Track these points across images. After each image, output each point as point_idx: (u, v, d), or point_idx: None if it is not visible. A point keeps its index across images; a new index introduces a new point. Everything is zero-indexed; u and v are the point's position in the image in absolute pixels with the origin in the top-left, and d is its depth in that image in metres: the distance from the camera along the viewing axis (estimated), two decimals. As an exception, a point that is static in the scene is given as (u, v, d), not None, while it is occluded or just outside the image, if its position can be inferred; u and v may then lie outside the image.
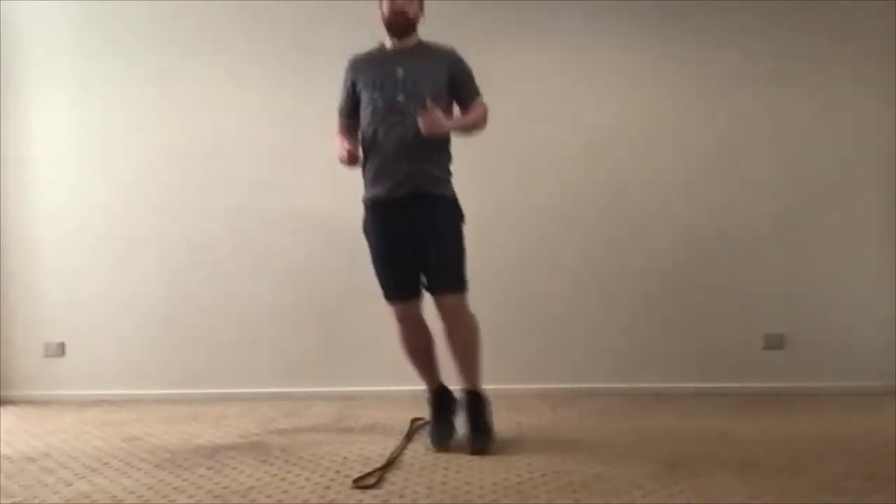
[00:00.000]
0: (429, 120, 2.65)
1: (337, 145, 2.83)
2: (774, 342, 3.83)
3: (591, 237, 3.86)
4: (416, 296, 2.81)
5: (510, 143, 3.82)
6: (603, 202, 3.87)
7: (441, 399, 2.92)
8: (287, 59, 3.87)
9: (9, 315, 3.88)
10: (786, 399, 3.63)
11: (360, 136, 2.85)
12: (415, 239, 2.75)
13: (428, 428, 2.88)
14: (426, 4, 2.86)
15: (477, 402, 2.80)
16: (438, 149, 2.81)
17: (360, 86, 2.83)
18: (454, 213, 2.83)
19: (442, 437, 2.80)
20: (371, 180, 2.81)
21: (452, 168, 2.88)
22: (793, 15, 3.83)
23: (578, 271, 3.86)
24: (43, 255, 3.88)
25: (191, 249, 3.87)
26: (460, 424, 2.85)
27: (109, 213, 3.88)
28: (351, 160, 2.77)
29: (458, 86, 2.84)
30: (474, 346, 2.80)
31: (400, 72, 2.76)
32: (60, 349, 3.88)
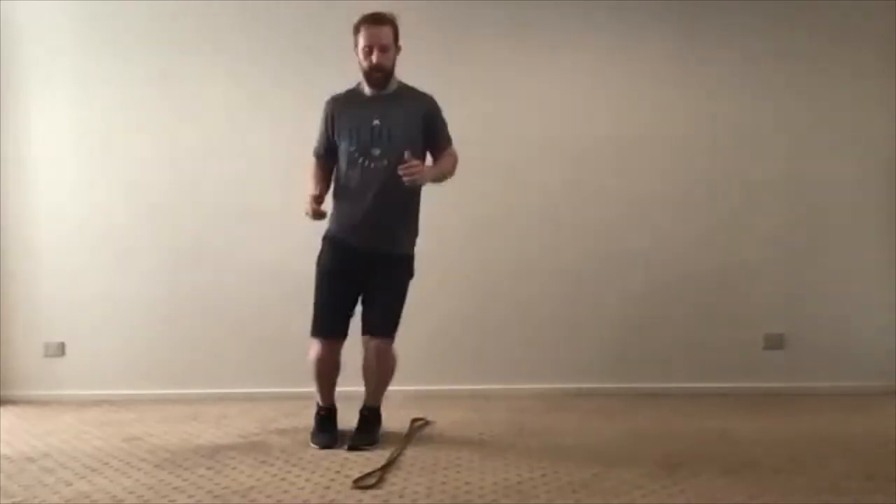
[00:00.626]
0: (410, 171, 2.71)
1: (306, 196, 2.85)
2: (774, 342, 3.83)
3: (591, 237, 3.86)
4: (342, 338, 2.89)
5: (508, 144, 3.82)
6: (603, 203, 3.87)
7: (329, 414, 3.01)
8: (287, 59, 3.87)
9: (9, 315, 3.87)
10: (786, 399, 3.63)
11: (334, 177, 2.94)
12: (362, 283, 2.87)
13: (312, 432, 2.94)
14: (404, 31, 2.87)
15: (374, 415, 2.97)
16: (409, 203, 2.90)
17: (336, 131, 2.90)
18: (407, 271, 2.93)
19: (327, 442, 2.86)
20: (338, 222, 2.90)
21: (457, 166, 2.92)
22: (793, 15, 3.83)
23: (578, 272, 3.85)
24: (43, 255, 3.88)
25: (191, 249, 3.87)
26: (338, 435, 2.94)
27: (109, 213, 3.88)
28: (315, 216, 2.82)
29: (432, 134, 2.91)
30: (389, 380, 2.97)
31: (376, 122, 2.82)
32: (60, 349, 3.88)
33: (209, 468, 2.58)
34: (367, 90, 2.89)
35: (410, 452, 2.74)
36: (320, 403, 3.01)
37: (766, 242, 3.85)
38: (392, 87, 2.89)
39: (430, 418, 3.21)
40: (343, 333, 2.89)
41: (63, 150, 3.90)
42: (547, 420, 3.27)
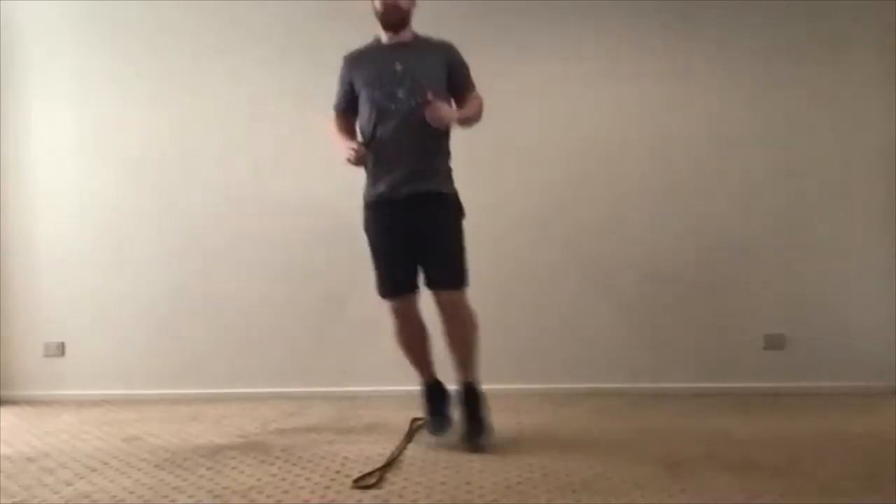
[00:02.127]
0: (435, 111, 2.66)
1: (341, 146, 2.82)
2: (774, 342, 3.83)
3: (591, 238, 3.86)
4: (414, 292, 2.81)
5: (511, 142, 3.82)
6: (602, 203, 3.87)
7: (435, 392, 2.94)
8: (287, 59, 3.86)
9: (9, 315, 3.87)
10: (786, 399, 3.63)
11: (359, 133, 2.86)
12: (415, 235, 2.75)
13: (426, 420, 2.90)
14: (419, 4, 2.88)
15: (473, 396, 2.81)
16: (439, 144, 2.82)
17: (357, 83, 2.84)
18: (455, 210, 2.83)
19: (441, 426, 2.83)
20: (373, 178, 2.82)
21: (453, 165, 2.89)
22: (793, 15, 3.83)
23: (578, 271, 3.85)
24: (43, 254, 3.88)
25: (191, 249, 3.87)
26: (455, 418, 2.87)
27: (109, 213, 3.88)
28: (359, 160, 2.77)
29: (455, 79, 2.86)
30: (472, 342, 2.82)
31: (398, 66, 2.76)
32: (60, 349, 3.88)
33: (209, 468, 2.58)
34: (384, 38, 2.84)
35: (410, 452, 2.74)
36: (422, 381, 2.92)
37: (767, 242, 3.85)
38: (409, 33, 2.85)
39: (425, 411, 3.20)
40: (414, 286, 2.78)
41: (63, 150, 3.90)
42: (547, 420, 3.27)
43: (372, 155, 2.79)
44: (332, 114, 2.94)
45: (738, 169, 3.85)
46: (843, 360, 3.80)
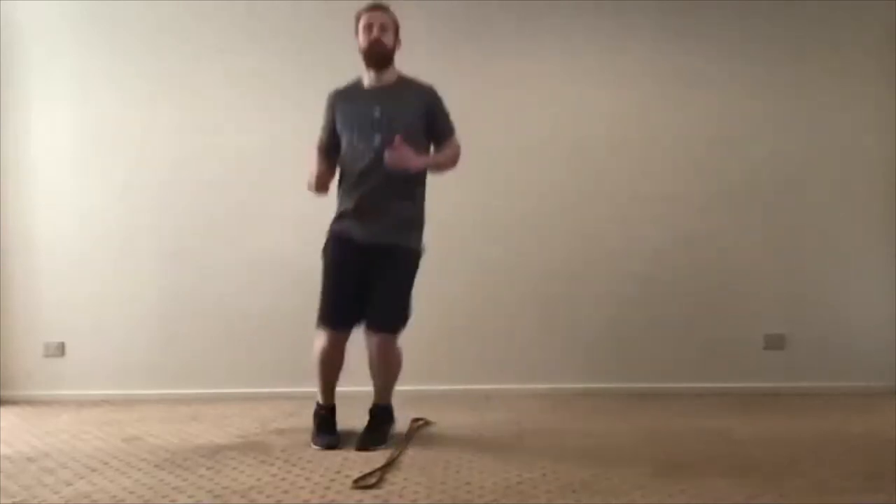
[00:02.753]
0: (396, 156, 2.70)
1: (310, 172, 2.90)
2: (774, 342, 3.83)
3: (591, 238, 3.86)
4: (349, 331, 2.86)
5: (509, 146, 3.82)
6: (602, 203, 3.87)
7: (332, 415, 2.97)
8: (287, 60, 3.87)
9: (9, 315, 3.87)
10: (786, 399, 3.63)
11: (338, 171, 2.93)
12: (369, 278, 2.82)
13: (314, 434, 2.90)
14: (404, 33, 2.93)
15: (384, 413, 2.95)
16: (412, 191, 2.88)
17: (339, 124, 2.91)
18: (411, 264, 2.89)
19: (331, 444, 2.83)
20: (342, 215, 2.89)
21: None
22: (793, 15, 3.83)
23: (578, 272, 3.85)
24: (43, 255, 3.88)
25: (190, 249, 3.87)
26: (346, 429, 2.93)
27: (109, 213, 3.88)
28: (320, 186, 2.89)
29: (433, 124, 2.90)
30: (395, 376, 2.94)
31: (377, 112, 2.82)
32: (60, 349, 3.88)
33: (209, 468, 2.58)
34: (367, 82, 2.89)
35: (410, 452, 2.74)
36: (320, 402, 2.99)
37: (767, 242, 3.85)
38: (392, 77, 2.89)
39: (430, 418, 3.21)
40: (348, 325, 2.85)
41: (63, 151, 3.90)
42: (547, 420, 3.27)
43: (345, 192, 2.88)
44: (315, 147, 2.95)
45: (738, 169, 3.86)
46: (843, 360, 3.80)
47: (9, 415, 3.52)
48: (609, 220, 3.87)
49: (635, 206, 3.86)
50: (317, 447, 2.83)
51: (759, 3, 3.83)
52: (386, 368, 2.89)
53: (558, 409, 3.47)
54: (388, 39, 2.84)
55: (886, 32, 3.81)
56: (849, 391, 3.70)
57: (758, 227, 3.85)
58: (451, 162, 2.92)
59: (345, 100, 2.92)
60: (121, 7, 3.88)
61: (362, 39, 2.84)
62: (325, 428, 2.92)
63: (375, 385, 2.94)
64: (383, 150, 2.74)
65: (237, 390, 3.77)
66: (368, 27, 2.82)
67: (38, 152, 3.89)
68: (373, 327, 2.83)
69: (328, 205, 3.72)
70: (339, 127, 2.90)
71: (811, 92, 3.85)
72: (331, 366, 2.90)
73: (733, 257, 3.85)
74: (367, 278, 2.83)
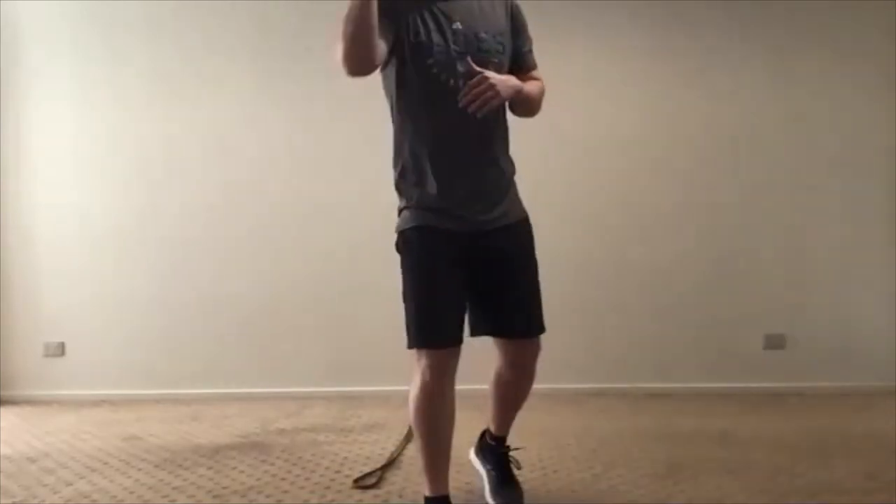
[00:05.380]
0: (479, 92, 1.86)
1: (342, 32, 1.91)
2: (774, 342, 3.83)
3: (591, 237, 3.86)
4: (459, 345, 2.06)
5: (520, 140, 3.81)
6: (603, 202, 3.87)
7: None
8: (286, 60, 3.86)
9: (9, 315, 3.87)
10: (786, 399, 3.63)
11: (399, 127, 2.03)
12: (488, 271, 2.05)
13: None
14: None
15: (506, 451, 2.35)
16: (505, 139, 2.14)
17: (407, 32, 1.93)
18: (532, 235, 2.15)
19: None
20: (423, 198, 2.00)
21: None
22: (793, 15, 3.83)
23: (578, 271, 3.85)
24: (43, 255, 3.88)
25: (190, 249, 3.86)
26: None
27: (109, 212, 3.88)
28: (359, 44, 1.87)
29: (517, 40, 2.06)
30: (525, 399, 2.29)
31: (457, 25, 1.94)
32: (60, 349, 3.88)
33: (209, 468, 2.58)
34: None
35: (410, 452, 2.74)
36: (429, 494, 2.03)
37: (767, 242, 3.85)
38: None
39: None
40: (461, 337, 2.04)
41: (63, 150, 3.90)
42: (547, 420, 3.27)
43: (421, 159, 1.99)
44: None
45: (739, 169, 3.85)
46: (843, 360, 3.80)
47: (9, 415, 3.52)
48: (608, 220, 3.86)
49: (633, 208, 3.85)
50: None
51: (761, 3, 3.83)
52: (530, 386, 2.21)
53: (558, 409, 3.47)
54: None
55: (887, 33, 3.81)
56: (849, 391, 3.70)
57: (758, 227, 3.85)
58: (539, 103, 2.12)
59: (412, 4, 1.95)
60: (121, 7, 3.88)
61: None
62: None
63: (509, 412, 2.28)
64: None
65: (237, 390, 3.77)
66: None
67: (38, 152, 3.89)
68: (519, 332, 2.11)
69: (329, 204, 3.74)
70: (407, 41, 1.92)
71: (812, 93, 3.84)
72: (442, 408, 2.03)
73: (733, 257, 3.85)
74: (476, 277, 2.04)
